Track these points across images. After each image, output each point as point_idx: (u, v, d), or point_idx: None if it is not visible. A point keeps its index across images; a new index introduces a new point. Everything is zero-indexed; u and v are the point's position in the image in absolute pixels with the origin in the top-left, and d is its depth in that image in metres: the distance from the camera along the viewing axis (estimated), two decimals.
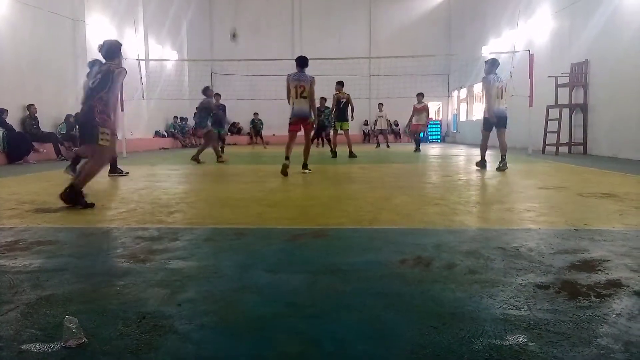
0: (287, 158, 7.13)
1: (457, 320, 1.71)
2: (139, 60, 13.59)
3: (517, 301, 1.89)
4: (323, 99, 13.14)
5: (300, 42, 24.81)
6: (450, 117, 25.93)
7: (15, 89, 11.60)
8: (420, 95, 14.81)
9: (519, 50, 13.29)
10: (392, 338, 1.60)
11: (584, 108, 11.86)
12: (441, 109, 26.49)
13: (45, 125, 12.25)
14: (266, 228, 3.48)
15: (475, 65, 19.90)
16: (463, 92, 23.53)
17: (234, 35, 25.41)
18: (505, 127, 7.84)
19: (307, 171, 7.39)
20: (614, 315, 1.75)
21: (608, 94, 10.91)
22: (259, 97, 13.07)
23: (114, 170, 7.22)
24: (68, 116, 12.80)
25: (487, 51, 18.50)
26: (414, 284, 2.14)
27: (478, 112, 21.54)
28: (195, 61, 22.03)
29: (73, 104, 13.52)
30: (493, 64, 7.83)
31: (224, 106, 13.43)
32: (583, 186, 5.66)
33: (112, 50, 4.65)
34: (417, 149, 14.60)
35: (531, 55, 12.20)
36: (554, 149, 11.86)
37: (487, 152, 8.15)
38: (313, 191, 5.30)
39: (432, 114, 26.86)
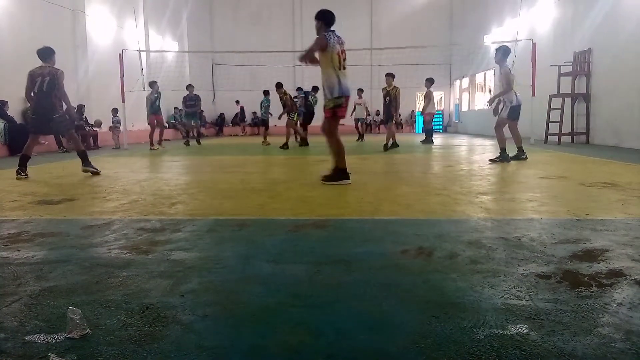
0: (345, 172, 5.11)
1: (459, 310, 1.71)
2: (139, 51, 13.55)
3: (518, 291, 1.89)
4: (294, 90, 13.42)
5: (301, 33, 24.64)
6: (452, 106, 25.82)
7: (15, 81, 11.53)
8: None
9: (522, 39, 13.19)
10: (393, 328, 1.61)
11: (586, 97, 11.79)
12: (443, 98, 26.38)
13: None
14: (268, 219, 3.48)
15: (477, 55, 19.80)
16: (465, 82, 23.40)
17: None
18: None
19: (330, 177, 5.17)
20: (615, 305, 1.75)
21: (611, 82, 10.84)
22: (260, 87, 13.12)
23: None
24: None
25: (490, 40, 18.41)
26: (416, 274, 2.14)
27: (480, 101, 21.45)
28: (196, 52, 21.93)
29: (73, 96, 13.51)
30: (506, 52, 7.43)
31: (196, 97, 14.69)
32: (585, 176, 5.64)
33: None
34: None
35: (534, 44, 12.12)
36: (556, 138, 11.84)
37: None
38: (314, 182, 5.30)
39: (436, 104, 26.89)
